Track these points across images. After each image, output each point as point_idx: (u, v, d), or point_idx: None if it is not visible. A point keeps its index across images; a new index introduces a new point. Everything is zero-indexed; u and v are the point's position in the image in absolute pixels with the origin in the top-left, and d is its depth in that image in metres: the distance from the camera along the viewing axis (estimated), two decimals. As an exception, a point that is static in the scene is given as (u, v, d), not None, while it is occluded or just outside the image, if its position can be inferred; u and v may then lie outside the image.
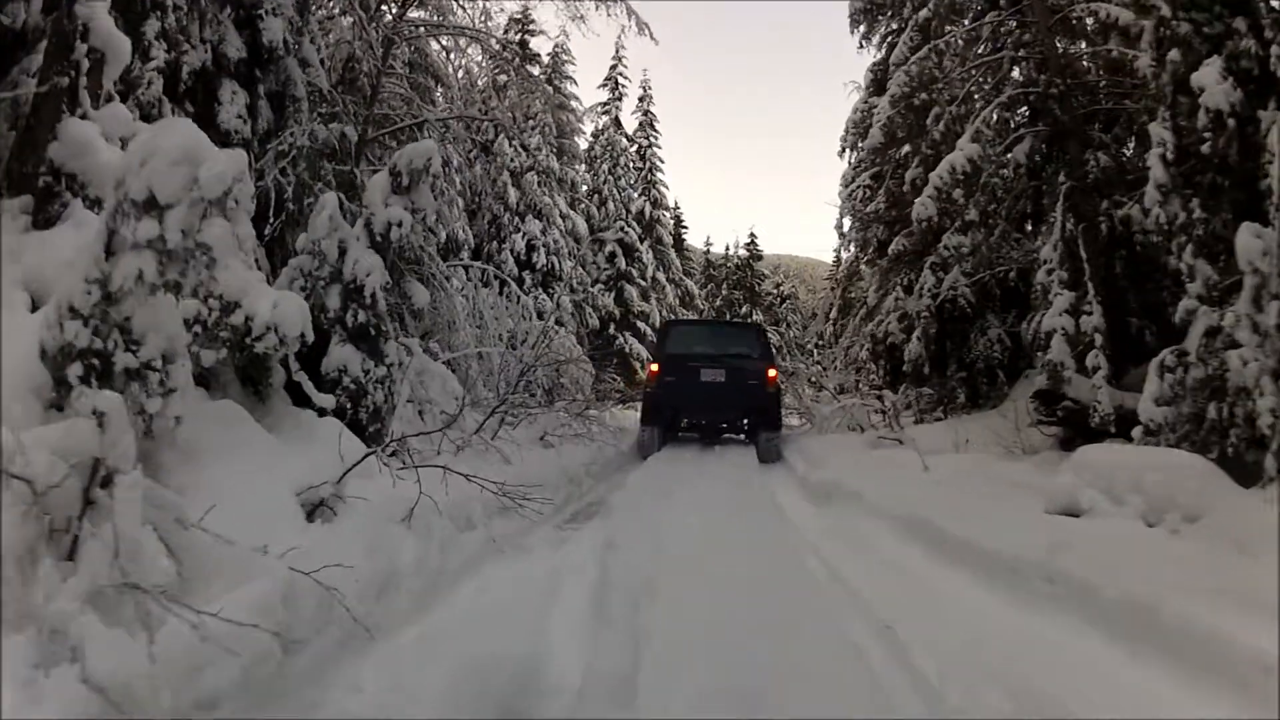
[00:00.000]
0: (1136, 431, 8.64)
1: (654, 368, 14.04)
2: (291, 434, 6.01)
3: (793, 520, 7.16)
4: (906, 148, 16.44)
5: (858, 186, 19.58)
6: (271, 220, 11.98)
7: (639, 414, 14.70)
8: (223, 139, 10.97)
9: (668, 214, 41.06)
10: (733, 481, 10.20)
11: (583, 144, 38.90)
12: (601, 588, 4.50)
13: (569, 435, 12.13)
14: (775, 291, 68.25)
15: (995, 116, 13.29)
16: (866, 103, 21.90)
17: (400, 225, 7.64)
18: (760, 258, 65.92)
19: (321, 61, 14.70)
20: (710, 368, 13.48)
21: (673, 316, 37.46)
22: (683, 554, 5.58)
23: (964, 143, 12.19)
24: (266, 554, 3.60)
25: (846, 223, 21.73)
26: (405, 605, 4.06)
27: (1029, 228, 14.26)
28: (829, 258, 50.71)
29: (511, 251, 30.63)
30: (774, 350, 16.93)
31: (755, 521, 6.98)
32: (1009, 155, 12.73)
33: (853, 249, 25.01)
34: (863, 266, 23.33)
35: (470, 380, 16.64)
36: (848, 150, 25.15)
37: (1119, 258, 12.05)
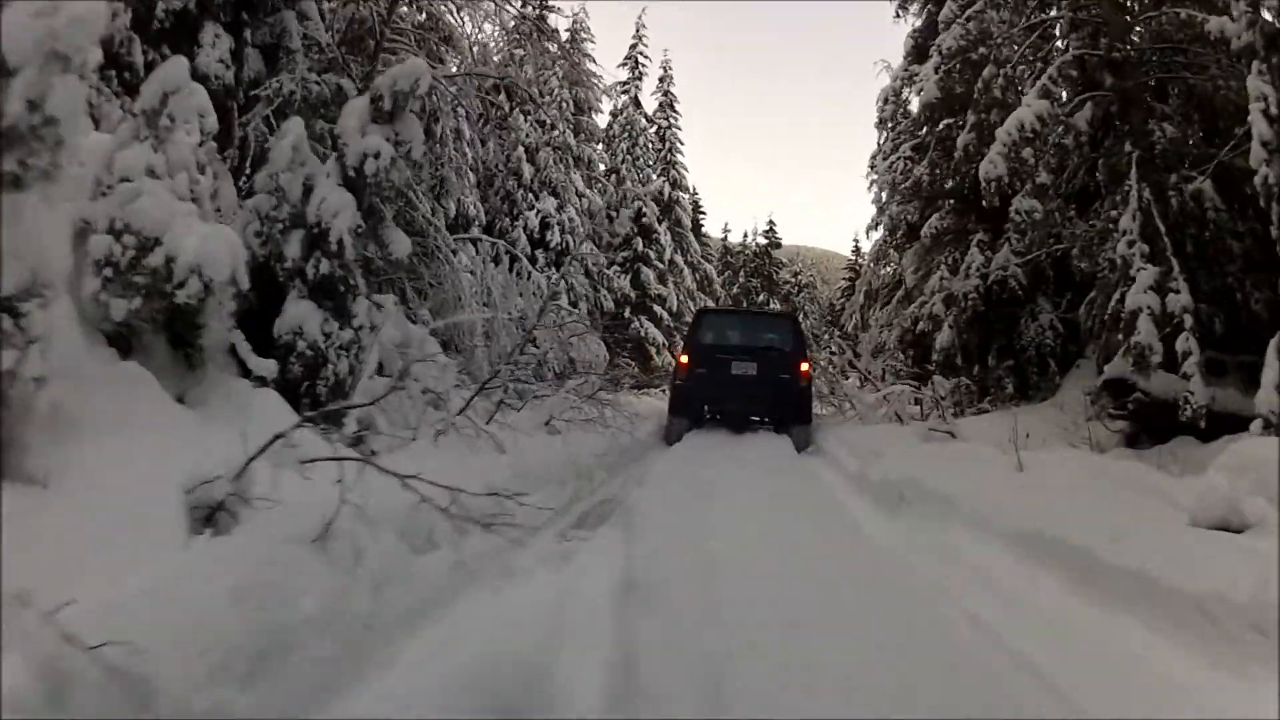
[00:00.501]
0: (1255, 425, 7.33)
1: (684, 359, 13.43)
2: (219, 409, 4.65)
3: (872, 535, 5.36)
4: (944, 123, 15.03)
5: (897, 159, 17.96)
6: (249, 173, 10.69)
7: (666, 403, 14.25)
8: (199, 84, 9.76)
9: (686, 196, 39.47)
10: (774, 474, 8.51)
11: (601, 123, 37.54)
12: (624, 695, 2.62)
13: (579, 420, 10.67)
14: (793, 280, 66.73)
15: (1058, 74, 11.86)
16: (907, 70, 20.48)
17: (378, 157, 6.23)
18: (779, 245, 64.34)
19: (322, 15, 13.48)
20: (742, 360, 12.90)
21: (701, 304, 36.01)
22: (751, 611, 3.64)
23: (1031, 99, 10.80)
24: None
25: (884, 195, 20.21)
26: (280, 701, 2.36)
27: (1074, 209, 12.85)
28: (846, 249, 49.75)
29: (525, 228, 29.21)
30: (807, 341, 15.99)
31: (825, 534, 5.16)
32: (1071, 120, 11.33)
33: (882, 230, 23.63)
34: (891, 251, 21.87)
35: (476, 362, 15.49)
36: (885, 123, 23.83)
37: (1189, 237, 10.68)
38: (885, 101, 21.98)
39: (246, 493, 3.39)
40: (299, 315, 5.82)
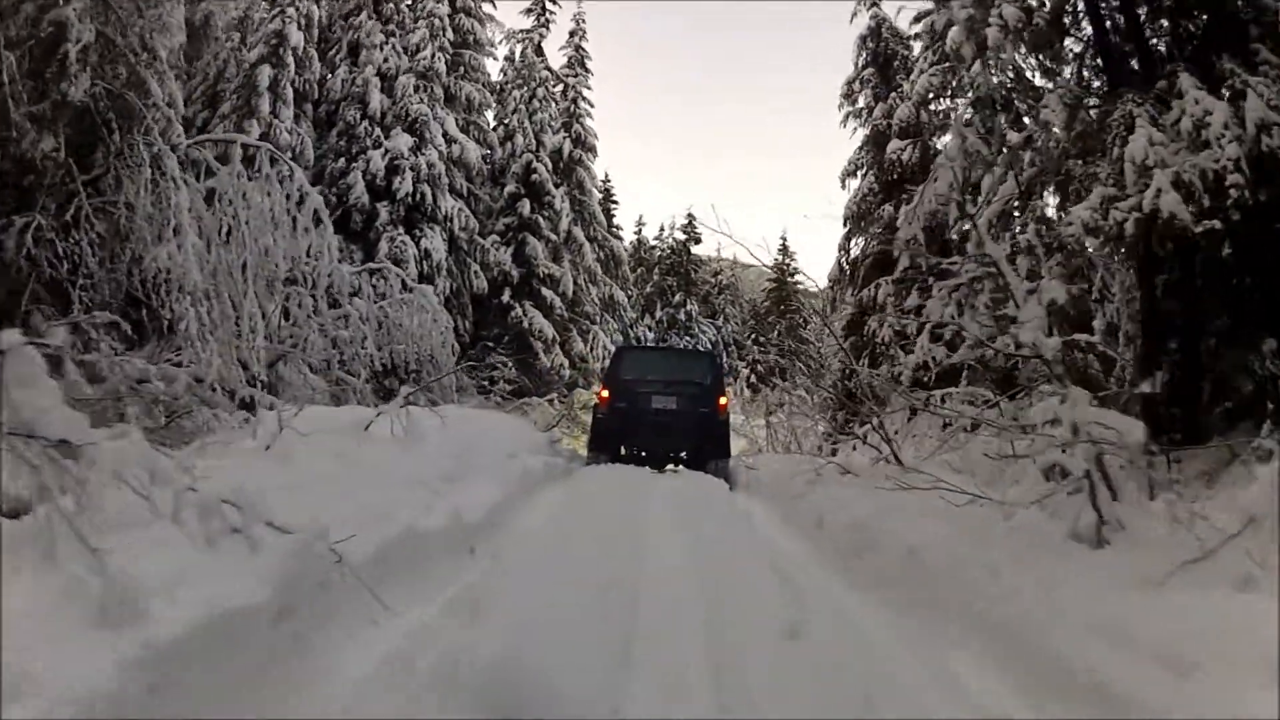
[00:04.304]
0: None
1: (604, 393, 13.51)
2: None
3: None
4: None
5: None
6: None
7: (588, 438, 14.43)
8: None
9: (592, 157, 31.91)
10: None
11: (494, 73, 30.09)
12: None
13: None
14: (713, 281, 59.79)
15: None
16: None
17: None
18: (699, 240, 57.45)
19: None
20: (662, 395, 13.12)
21: (608, 290, 30.12)
22: None
23: None
24: None
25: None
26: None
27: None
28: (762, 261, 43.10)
29: (364, 173, 21.46)
30: (725, 378, 17.03)
31: None
32: None
33: (862, 177, 16.62)
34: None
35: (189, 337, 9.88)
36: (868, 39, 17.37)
37: None
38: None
39: None
40: None
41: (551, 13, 33.90)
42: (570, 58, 35.97)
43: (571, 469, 11.61)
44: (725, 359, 55.01)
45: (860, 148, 16.93)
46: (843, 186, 16.78)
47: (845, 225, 16.36)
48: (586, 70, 35.96)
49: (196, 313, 11.05)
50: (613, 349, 29.34)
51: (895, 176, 15.70)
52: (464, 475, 6.33)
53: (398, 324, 15.64)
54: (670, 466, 13.78)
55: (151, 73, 11.27)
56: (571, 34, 36.32)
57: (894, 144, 15.81)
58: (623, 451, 13.31)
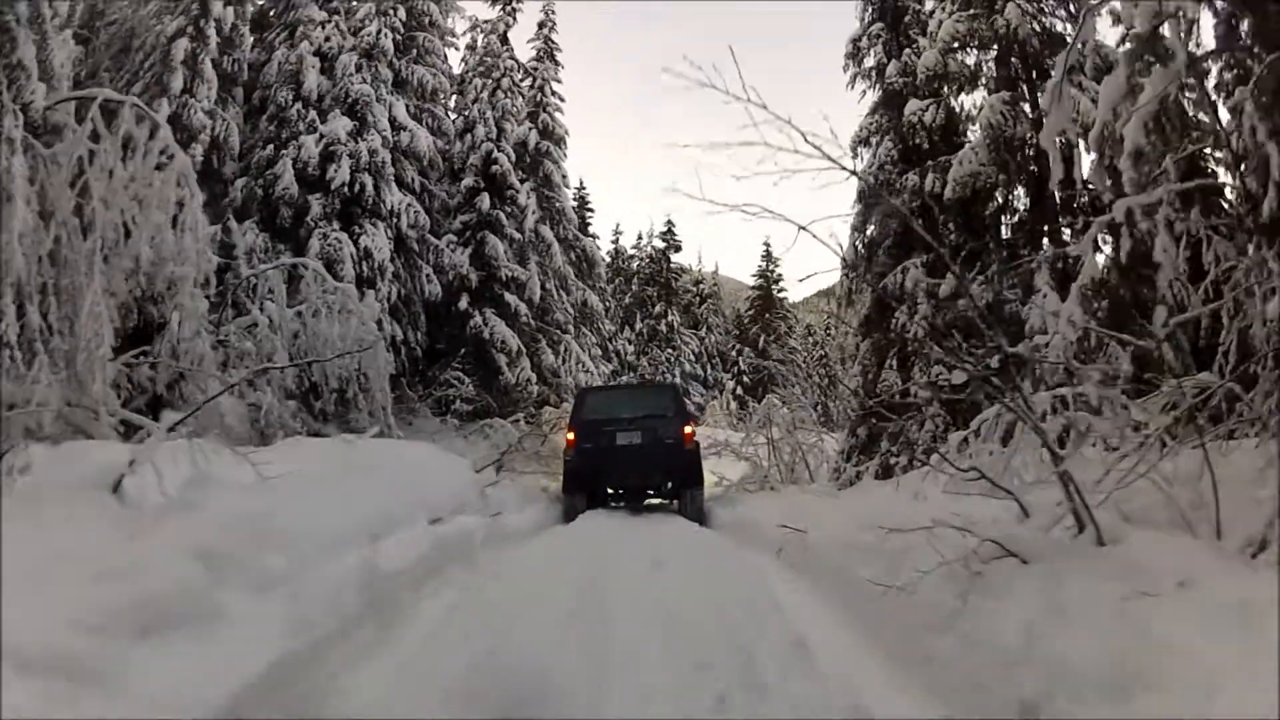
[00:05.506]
0: None
1: (570, 436, 13.45)
2: None
3: None
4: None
5: None
6: None
7: (561, 482, 13.99)
8: None
9: (562, 151, 29.09)
10: None
11: (456, 65, 27.50)
12: None
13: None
14: (694, 290, 57.12)
15: None
16: None
17: None
18: (679, 249, 54.93)
19: None
20: (626, 430, 13.26)
21: (581, 295, 27.58)
22: None
23: None
24: None
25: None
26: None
27: None
28: (742, 276, 40.69)
29: (295, 161, 18.57)
30: (688, 408, 16.98)
31: None
32: None
33: (882, 147, 14.05)
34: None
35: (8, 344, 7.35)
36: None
37: None
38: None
39: None
40: None
41: (518, 4, 31.17)
42: (539, 50, 33.22)
43: (505, 533, 8.75)
44: (710, 370, 52.77)
45: (872, 112, 14.27)
46: (854, 155, 14.06)
47: (860, 201, 13.64)
48: (556, 63, 33.27)
49: (19, 312, 8.37)
50: (588, 362, 27.20)
51: (917, 141, 13.02)
52: (201, 608, 3.06)
53: (315, 333, 12.82)
54: (651, 522, 12.65)
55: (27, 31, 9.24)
56: (541, 25, 33.58)
57: (913, 104, 13.17)
58: (609, 491, 13.63)
